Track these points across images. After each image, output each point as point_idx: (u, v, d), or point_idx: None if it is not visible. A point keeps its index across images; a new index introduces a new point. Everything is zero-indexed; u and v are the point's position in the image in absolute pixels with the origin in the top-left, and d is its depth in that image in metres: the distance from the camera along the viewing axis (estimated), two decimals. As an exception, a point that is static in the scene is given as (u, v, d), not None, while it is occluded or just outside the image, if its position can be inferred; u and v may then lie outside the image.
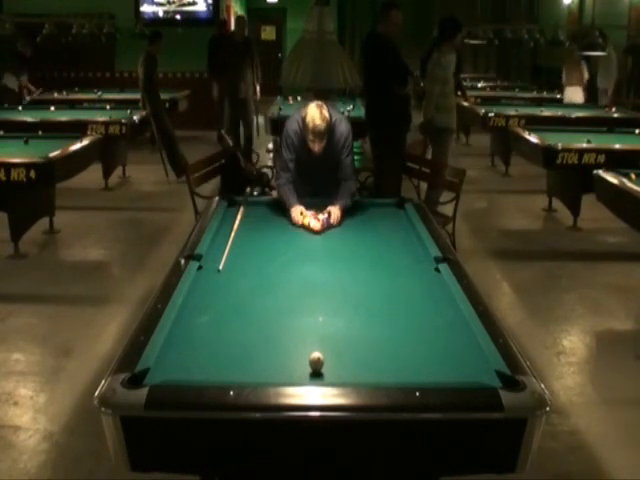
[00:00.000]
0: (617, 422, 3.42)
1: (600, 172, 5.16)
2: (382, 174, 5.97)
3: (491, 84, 12.99)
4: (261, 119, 9.65)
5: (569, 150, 6.05)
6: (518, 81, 13.65)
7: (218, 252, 3.20)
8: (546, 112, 8.82)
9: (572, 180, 6.30)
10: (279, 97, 9.71)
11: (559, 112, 8.78)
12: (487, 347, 2.28)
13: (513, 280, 5.30)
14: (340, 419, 1.93)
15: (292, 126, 4.00)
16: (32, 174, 5.23)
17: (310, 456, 1.98)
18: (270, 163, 7.67)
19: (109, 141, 7.18)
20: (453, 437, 1.97)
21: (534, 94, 11.24)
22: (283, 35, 17.57)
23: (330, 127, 3.83)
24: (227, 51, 9.29)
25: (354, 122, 4.42)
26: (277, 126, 7.11)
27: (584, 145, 6.20)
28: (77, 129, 6.96)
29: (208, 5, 11.78)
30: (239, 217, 3.74)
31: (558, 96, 10.62)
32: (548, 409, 1.95)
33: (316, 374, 2.10)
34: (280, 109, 8.29)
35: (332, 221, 3.69)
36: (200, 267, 3.02)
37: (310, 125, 3.75)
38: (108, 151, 7.20)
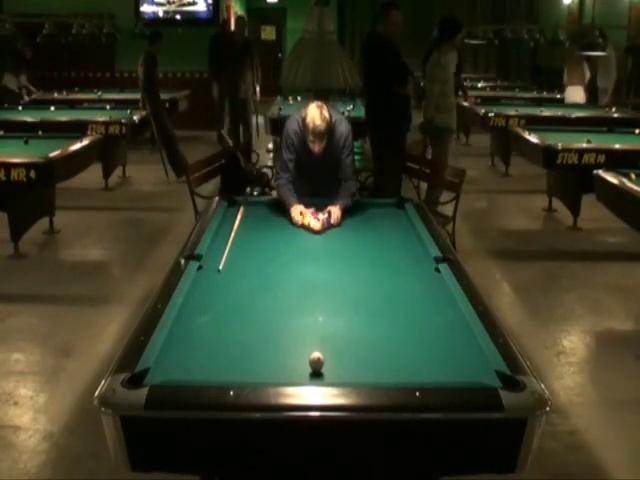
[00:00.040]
0: (617, 422, 3.42)
1: (600, 172, 5.16)
2: (382, 174, 5.97)
3: (491, 84, 12.99)
4: (261, 119, 9.65)
5: (569, 150, 6.05)
6: (518, 81, 13.66)
7: (218, 252, 3.20)
8: (546, 112, 8.82)
9: (572, 180, 6.30)
10: (279, 97, 9.71)
11: (559, 112, 8.78)
12: (487, 347, 2.28)
13: (513, 280, 5.30)
14: (340, 419, 1.93)
15: (292, 126, 3.99)
16: (32, 174, 5.23)
17: (310, 456, 1.98)
18: (270, 163, 7.68)
19: (109, 141, 7.18)
20: (453, 437, 1.97)
21: (534, 94, 11.24)
22: (283, 35, 17.58)
23: (330, 127, 3.83)
24: (227, 52, 9.29)
25: (354, 122, 4.42)
26: (277, 126, 7.11)
27: (584, 145, 6.20)
28: (77, 129, 6.96)
29: (208, 5, 11.78)
30: (239, 217, 3.74)
31: (558, 96, 10.61)
32: (548, 409, 1.95)
33: (316, 374, 2.10)
34: (280, 109, 8.29)
35: (332, 221, 3.69)
36: (200, 267, 3.02)
37: (310, 126, 3.75)
38: (108, 151, 7.21)
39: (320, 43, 6.25)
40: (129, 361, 2.13)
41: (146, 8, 11.77)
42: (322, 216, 3.67)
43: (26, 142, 6.17)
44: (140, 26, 10.53)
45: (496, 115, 8.33)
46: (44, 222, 6.17)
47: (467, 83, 11.34)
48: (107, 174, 7.89)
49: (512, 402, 1.92)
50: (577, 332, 4.50)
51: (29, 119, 7.81)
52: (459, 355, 2.28)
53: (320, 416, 1.91)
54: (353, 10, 16.20)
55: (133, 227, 6.75)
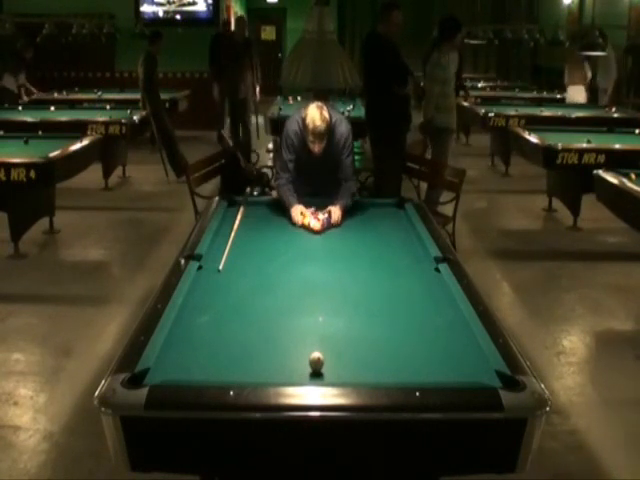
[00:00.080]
0: (617, 422, 3.42)
1: (600, 172, 5.16)
2: (382, 174, 5.97)
3: (491, 84, 12.99)
4: (261, 119, 9.65)
5: (569, 150, 6.05)
6: (518, 81, 13.65)
7: (218, 252, 3.20)
8: (546, 112, 8.82)
9: (572, 180, 6.30)
10: (279, 97, 9.71)
11: (559, 112, 8.78)
12: (487, 347, 2.28)
13: (513, 280, 5.30)
14: (340, 419, 1.93)
15: (292, 127, 3.99)
16: (32, 174, 5.23)
17: (310, 456, 1.98)
18: (270, 163, 7.68)
19: (109, 141, 7.18)
20: (453, 437, 1.97)
21: (534, 94, 11.23)
22: (283, 35, 17.57)
23: (330, 128, 3.83)
24: (227, 52, 9.29)
25: (354, 122, 4.42)
26: (277, 126, 7.11)
27: (584, 145, 6.20)
28: (77, 129, 6.95)
29: (208, 5, 11.79)
30: (239, 217, 3.74)
31: (558, 96, 10.62)
32: (548, 409, 1.95)
33: (316, 374, 2.10)
34: (280, 109, 8.29)
35: (332, 221, 3.69)
36: (200, 267, 3.02)
37: (310, 126, 3.75)
38: (108, 151, 7.21)
39: (320, 43, 6.26)
40: (129, 361, 2.13)
41: (146, 8, 11.77)
42: (322, 216, 3.67)
43: (26, 142, 6.17)
44: (140, 26, 10.53)
45: (496, 115, 8.33)
46: (44, 222, 6.17)
47: (467, 83, 11.32)
48: (107, 174, 7.89)
49: (512, 402, 1.92)
50: (577, 332, 4.50)
51: (29, 119, 7.81)
52: (459, 355, 2.28)
53: (320, 416, 1.91)
54: (353, 10, 16.20)
55: (133, 227, 6.74)
